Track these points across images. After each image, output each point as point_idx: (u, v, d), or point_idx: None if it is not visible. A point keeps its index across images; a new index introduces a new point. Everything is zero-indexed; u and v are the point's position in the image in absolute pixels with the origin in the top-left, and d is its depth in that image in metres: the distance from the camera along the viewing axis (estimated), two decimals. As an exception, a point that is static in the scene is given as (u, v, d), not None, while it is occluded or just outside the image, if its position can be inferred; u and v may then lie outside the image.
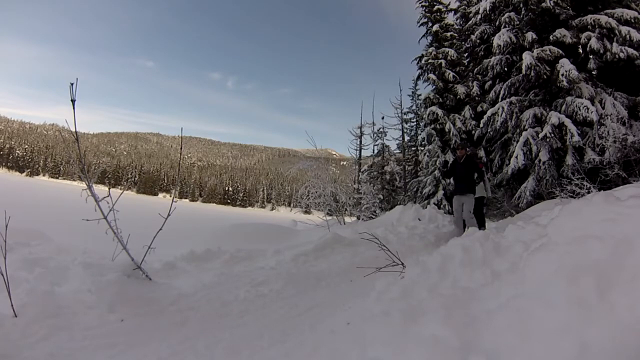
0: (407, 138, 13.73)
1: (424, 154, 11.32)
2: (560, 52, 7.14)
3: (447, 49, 10.61)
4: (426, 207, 7.72)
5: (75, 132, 2.19)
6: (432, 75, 10.40)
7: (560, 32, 7.31)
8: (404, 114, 13.94)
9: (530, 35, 7.60)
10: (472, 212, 4.81)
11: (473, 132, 9.75)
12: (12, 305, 1.63)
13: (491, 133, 8.84)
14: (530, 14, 7.82)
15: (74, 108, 2.13)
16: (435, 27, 11.07)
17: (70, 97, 2.09)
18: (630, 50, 6.80)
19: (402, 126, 13.68)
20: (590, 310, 0.92)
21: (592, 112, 6.60)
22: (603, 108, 6.91)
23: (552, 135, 7.00)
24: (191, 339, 1.69)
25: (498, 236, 1.89)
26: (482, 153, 9.50)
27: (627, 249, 1.00)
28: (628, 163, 5.82)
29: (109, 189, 2.37)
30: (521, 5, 7.93)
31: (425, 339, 1.17)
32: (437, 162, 9.81)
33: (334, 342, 1.56)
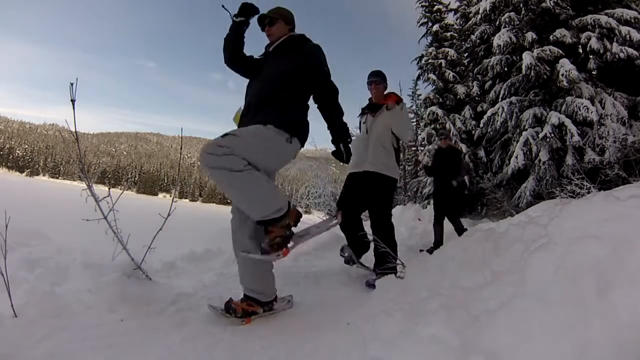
0: (407, 138, 13.74)
1: (424, 154, 11.36)
2: (560, 52, 7.15)
3: (447, 49, 10.63)
4: (426, 207, 7.73)
5: (75, 132, 2.19)
6: (432, 75, 10.42)
7: (560, 32, 7.32)
8: (404, 114, 13.94)
9: (530, 35, 7.61)
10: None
11: (473, 132, 9.75)
12: (12, 305, 1.63)
13: (491, 133, 8.85)
14: (530, 14, 7.83)
15: (73, 108, 2.13)
16: (435, 27, 11.09)
17: (70, 97, 2.09)
18: (630, 50, 6.81)
19: (402, 126, 13.69)
20: (590, 311, 0.92)
21: (592, 112, 6.61)
22: (603, 108, 6.92)
23: (552, 135, 7.00)
24: (191, 339, 1.69)
25: (498, 236, 1.89)
26: (482, 153, 9.50)
27: (627, 249, 1.00)
28: (628, 163, 5.82)
29: (109, 189, 2.37)
30: (521, 5, 7.94)
31: (425, 339, 1.17)
32: (437, 162, 9.83)
33: (334, 342, 1.56)
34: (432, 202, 5.04)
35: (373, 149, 2.67)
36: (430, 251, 3.46)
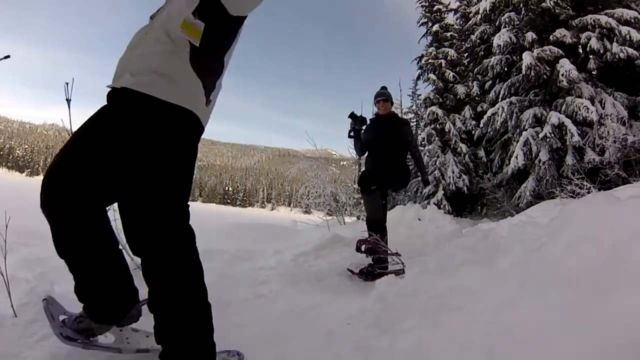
0: (406, 138, 13.75)
1: (424, 154, 11.38)
2: (560, 52, 7.16)
3: (447, 49, 10.63)
4: (426, 207, 7.72)
5: (71, 131, 2.19)
6: (432, 75, 10.42)
7: (560, 32, 7.32)
8: (404, 113, 13.95)
9: (530, 35, 7.61)
10: None
11: (473, 132, 9.76)
12: (12, 305, 1.63)
13: (491, 133, 8.85)
14: (530, 14, 7.84)
15: (69, 107, 2.16)
16: (435, 27, 11.10)
17: (65, 97, 2.10)
18: (630, 50, 6.81)
19: (402, 126, 13.69)
20: (588, 312, 0.92)
21: (592, 112, 6.61)
22: (603, 108, 6.92)
23: (552, 135, 7.00)
24: (191, 339, 1.68)
25: (498, 236, 1.89)
26: (482, 153, 9.51)
27: (626, 250, 1.00)
28: (628, 163, 5.83)
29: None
30: (521, 5, 7.95)
31: (425, 339, 1.17)
32: (437, 162, 9.83)
33: (334, 342, 1.56)
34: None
35: (146, 42, 1.17)
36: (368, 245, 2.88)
